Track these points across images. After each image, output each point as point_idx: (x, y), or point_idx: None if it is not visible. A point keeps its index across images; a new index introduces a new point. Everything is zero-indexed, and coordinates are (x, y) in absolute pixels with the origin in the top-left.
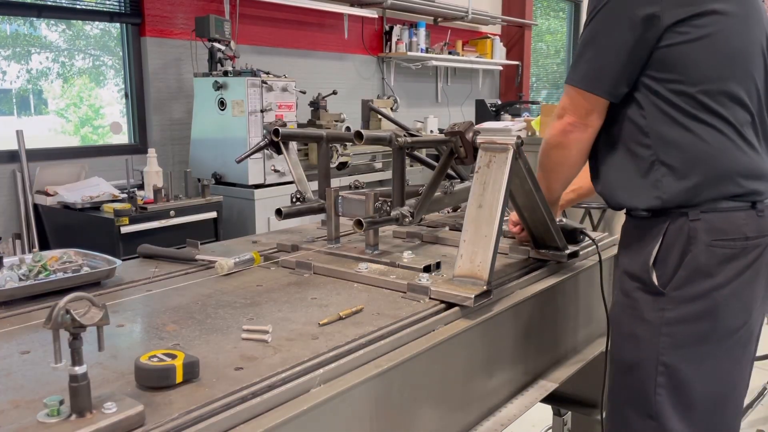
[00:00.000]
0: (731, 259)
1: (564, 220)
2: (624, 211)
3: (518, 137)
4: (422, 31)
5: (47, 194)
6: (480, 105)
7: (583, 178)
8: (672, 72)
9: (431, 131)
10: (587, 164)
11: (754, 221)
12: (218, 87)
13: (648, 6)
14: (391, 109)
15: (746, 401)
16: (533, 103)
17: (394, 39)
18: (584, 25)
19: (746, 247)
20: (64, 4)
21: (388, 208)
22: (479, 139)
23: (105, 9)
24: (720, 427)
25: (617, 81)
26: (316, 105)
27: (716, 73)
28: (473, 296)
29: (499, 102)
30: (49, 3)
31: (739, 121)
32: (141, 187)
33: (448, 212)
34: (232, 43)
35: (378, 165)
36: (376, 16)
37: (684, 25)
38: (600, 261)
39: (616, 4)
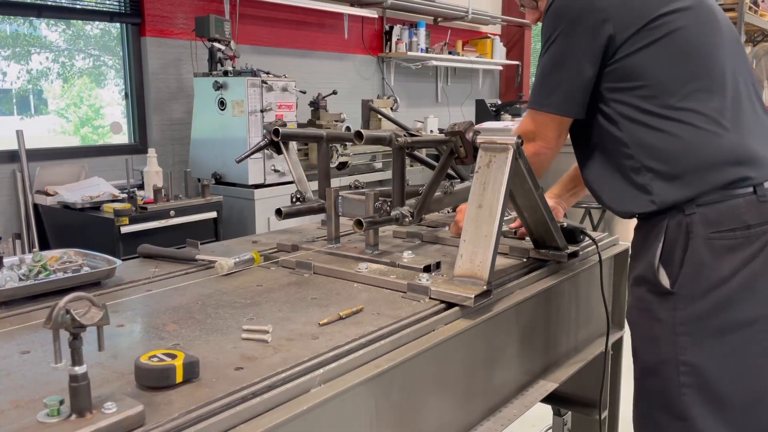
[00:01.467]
0: (734, 250)
1: (564, 220)
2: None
3: (518, 137)
4: (422, 31)
5: (47, 194)
6: (480, 105)
7: (577, 179)
8: (635, 80)
9: (431, 131)
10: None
11: (755, 208)
12: (218, 87)
13: (602, 27)
14: (391, 109)
15: None
16: None
17: (394, 39)
18: (542, 49)
19: (749, 236)
20: (64, 4)
21: (388, 208)
22: (479, 139)
23: (105, 9)
24: (762, 422)
25: (584, 99)
26: (316, 105)
27: (677, 70)
28: (473, 296)
29: (499, 102)
30: (49, 3)
31: (713, 109)
32: (141, 187)
33: (448, 212)
34: (232, 43)
35: (378, 165)
36: (376, 16)
37: (637, 36)
38: (600, 261)
39: (574, 29)
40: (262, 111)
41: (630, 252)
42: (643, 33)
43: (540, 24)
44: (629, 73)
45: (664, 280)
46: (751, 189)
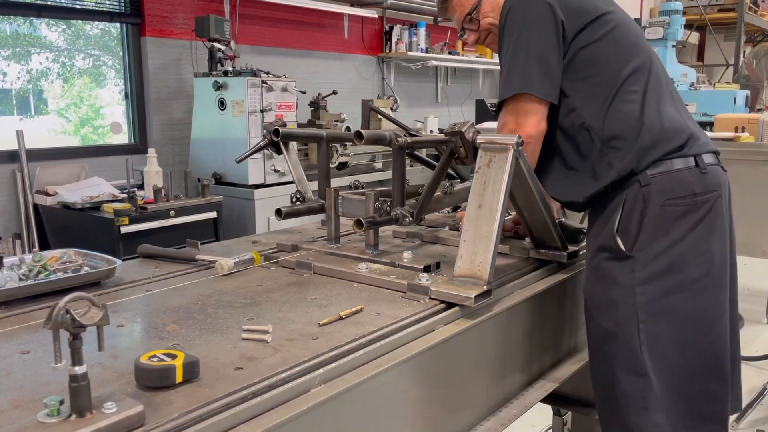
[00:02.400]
0: (683, 216)
1: (564, 220)
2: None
3: (518, 137)
4: (422, 31)
5: (47, 194)
6: (480, 105)
7: None
8: (590, 69)
9: (431, 131)
10: None
11: (699, 178)
12: (218, 87)
13: (555, 15)
14: (391, 109)
15: (746, 401)
16: None
17: (394, 39)
18: (505, 52)
19: (696, 203)
20: (64, 4)
21: (388, 208)
22: (479, 139)
23: (105, 9)
24: (701, 372)
25: (558, 82)
26: (316, 105)
27: (623, 59)
28: (473, 296)
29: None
30: (49, 3)
31: (651, 89)
32: (141, 187)
33: (448, 212)
34: (232, 43)
35: (378, 165)
36: (376, 16)
37: (586, 30)
38: None
39: (534, 23)
40: (262, 111)
41: (586, 233)
42: (592, 28)
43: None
44: (586, 63)
45: (623, 246)
46: (693, 162)
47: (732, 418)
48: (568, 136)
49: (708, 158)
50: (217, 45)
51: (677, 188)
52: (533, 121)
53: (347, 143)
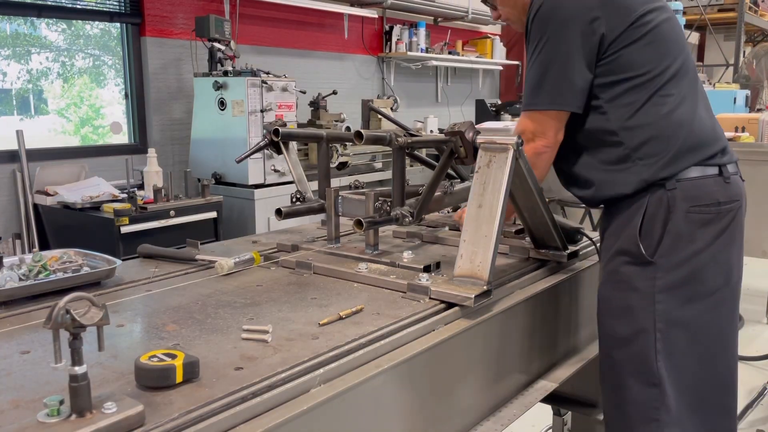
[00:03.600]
0: (708, 224)
1: (563, 220)
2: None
3: (518, 137)
4: (422, 31)
5: (47, 194)
6: (480, 105)
7: None
8: (626, 72)
9: (431, 131)
10: None
11: (723, 188)
12: (218, 87)
13: (596, 27)
14: (391, 109)
15: (746, 401)
16: None
17: (394, 39)
18: (533, 53)
19: (720, 212)
20: (64, 4)
21: (388, 208)
22: (479, 139)
23: (105, 9)
24: (709, 388)
25: (584, 93)
26: (316, 105)
27: (660, 61)
28: (473, 296)
29: (499, 102)
30: (49, 3)
31: (689, 94)
32: (141, 187)
33: (448, 212)
34: (232, 43)
35: (378, 165)
36: (376, 16)
37: (625, 33)
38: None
39: (566, 31)
40: (262, 111)
41: (601, 232)
42: (631, 31)
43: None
44: (621, 66)
45: (644, 251)
46: (717, 170)
47: None
48: (594, 139)
49: (731, 168)
50: (217, 45)
51: (703, 196)
52: (553, 132)
53: (347, 143)
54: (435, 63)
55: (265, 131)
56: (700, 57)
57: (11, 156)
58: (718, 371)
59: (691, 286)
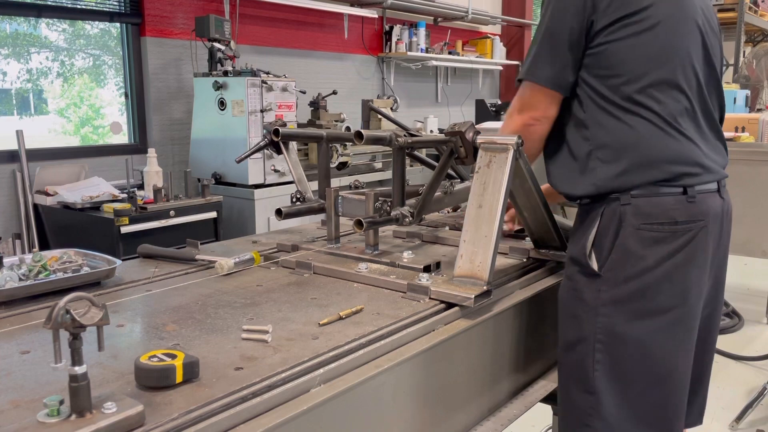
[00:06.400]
0: (660, 242)
1: (563, 220)
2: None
3: (518, 137)
4: (422, 31)
5: (47, 194)
6: (480, 105)
7: None
8: (607, 69)
9: (431, 131)
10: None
11: (684, 207)
12: (218, 87)
13: (585, 8)
14: (391, 109)
15: (746, 401)
16: None
17: (394, 39)
18: (540, 18)
19: (676, 231)
20: (64, 4)
21: (388, 208)
22: (479, 139)
23: (105, 9)
24: (657, 406)
25: (573, 77)
26: (316, 105)
27: (646, 67)
28: (473, 296)
29: (499, 102)
30: (50, 3)
31: (671, 112)
32: (141, 187)
33: (448, 212)
34: (232, 43)
35: (378, 165)
36: (376, 16)
37: (618, 24)
38: None
39: (564, 4)
40: (262, 111)
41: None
42: (625, 23)
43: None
44: (607, 60)
45: (593, 264)
46: (681, 189)
47: (732, 417)
48: (574, 128)
49: (703, 187)
50: (217, 45)
51: (658, 213)
52: (543, 106)
53: (347, 143)
54: (435, 63)
55: (265, 131)
56: None
57: (11, 156)
58: (667, 390)
59: (639, 303)
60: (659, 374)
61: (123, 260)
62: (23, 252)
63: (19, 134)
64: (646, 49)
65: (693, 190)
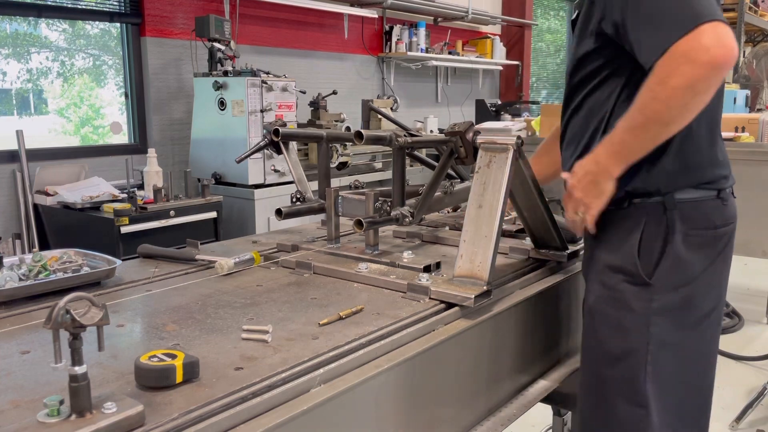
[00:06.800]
0: (703, 248)
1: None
2: None
3: (518, 137)
4: (422, 31)
5: (47, 194)
6: (480, 105)
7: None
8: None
9: (431, 131)
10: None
11: (719, 210)
12: (218, 87)
13: None
14: (391, 109)
15: (746, 401)
16: (533, 102)
17: (394, 39)
18: None
19: (716, 236)
20: (64, 4)
21: (388, 208)
22: (479, 139)
23: (105, 9)
24: (698, 410)
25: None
26: (316, 105)
27: None
28: (473, 296)
29: (499, 102)
30: (50, 3)
31: (715, 107)
32: (141, 187)
33: (448, 212)
34: (232, 43)
35: (378, 165)
36: (376, 16)
37: None
38: None
39: None
40: (262, 111)
41: (592, 242)
42: None
43: (537, 24)
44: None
45: (642, 271)
46: (716, 192)
47: (732, 417)
48: (610, 104)
49: (729, 189)
50: (217, 45)
51: (700, 219)
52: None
53: (347, 143)
54: (435, 63)
55: (265, 131)
56: None
57: (11, 156)
58: (701, 394)
59: (686, 310)
60: (700, 378)
61: (123, 260)
62: (23, 252)
63: (19, 134)
64: None
65: (725, 193)
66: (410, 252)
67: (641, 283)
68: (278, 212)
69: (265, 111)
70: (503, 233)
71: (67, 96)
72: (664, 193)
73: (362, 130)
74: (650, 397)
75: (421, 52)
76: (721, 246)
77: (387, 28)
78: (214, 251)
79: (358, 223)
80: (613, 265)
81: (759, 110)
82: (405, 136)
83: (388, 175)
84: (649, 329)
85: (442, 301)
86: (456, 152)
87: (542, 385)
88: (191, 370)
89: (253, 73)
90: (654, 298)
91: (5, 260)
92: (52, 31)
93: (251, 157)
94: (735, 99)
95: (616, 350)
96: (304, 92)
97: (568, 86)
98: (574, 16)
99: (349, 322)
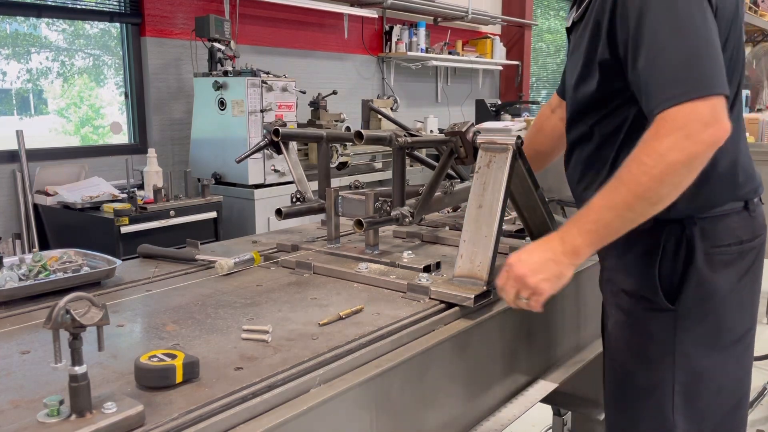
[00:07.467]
0: (729, 266)
1: (563, 220)
2: None
3: (518, 137)
4: (422, 31)
5: (47, 194)
6: (480, 105)
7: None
8: None
9: (431, 131)
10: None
11: (747, 223)
12: (218, 87)
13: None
14: (391, 109)
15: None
16: (533, 103)
17: (394, 39)
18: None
19: (742, 251)
20: (64, 4)
21: (388, 208)
22: (479, 139)
23: (105, 9)
24: (730, 426)
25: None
26: (316, 105)
27: (733, 74)
28: (473, 296)
29: (499, 102)
30: (50, 3)
31: (736, 122)
32: (141, 187)
33: (448, 212)
34: (232, 43)
35: (378, 165)
36: (376, 16)
37: (731, 31)
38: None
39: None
40: (262, 111)
41: (607, 262)
42: (734, 29)
43: (537, 24)
44: None
45: (663, 298)
46: (743, 203)
47: None
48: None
49: (757, 199)
50: (217, 45)
51: (724, 234)
52: (726, 118)
53: (347, 143)
54: (435, 63)
55: (265, 131)
56: None
57: (11, 156)
58: (741, 414)
59: (716, 335)
60: (735, 401)
61: (123, 260)
62: (23, 252)
63: (19, 134)
64: (735, 52)
65: (753, 204)
66: (410, 252)
67: (663, 309)
68: (278, 212)
69: (265, 111)
70: (503, 233)
71: (67, 96)
72: (687, 214)
73: (362, 130)
74: (680, 426)
75: (421, 52)
76: (749, 261)
77: (387, 28)
78: (214, 251)
79: (358, 223)
80: (629, 291)
81: (759, 110)
82: (405, 136)
83: (388, 175)
84: (675, 359)
85: (442, 301)
86: (456, 152)
87: (542, 385)
88: (191, 370)
89: (253, 73)
90: (678, 326)
91: (5, 260)
92: (52, 31)
93: (251, 157)
94: None
95: (643, 382)
96: (304, 92)
97: (570, 107)
98: (569, 24)
99: (348, 322)
